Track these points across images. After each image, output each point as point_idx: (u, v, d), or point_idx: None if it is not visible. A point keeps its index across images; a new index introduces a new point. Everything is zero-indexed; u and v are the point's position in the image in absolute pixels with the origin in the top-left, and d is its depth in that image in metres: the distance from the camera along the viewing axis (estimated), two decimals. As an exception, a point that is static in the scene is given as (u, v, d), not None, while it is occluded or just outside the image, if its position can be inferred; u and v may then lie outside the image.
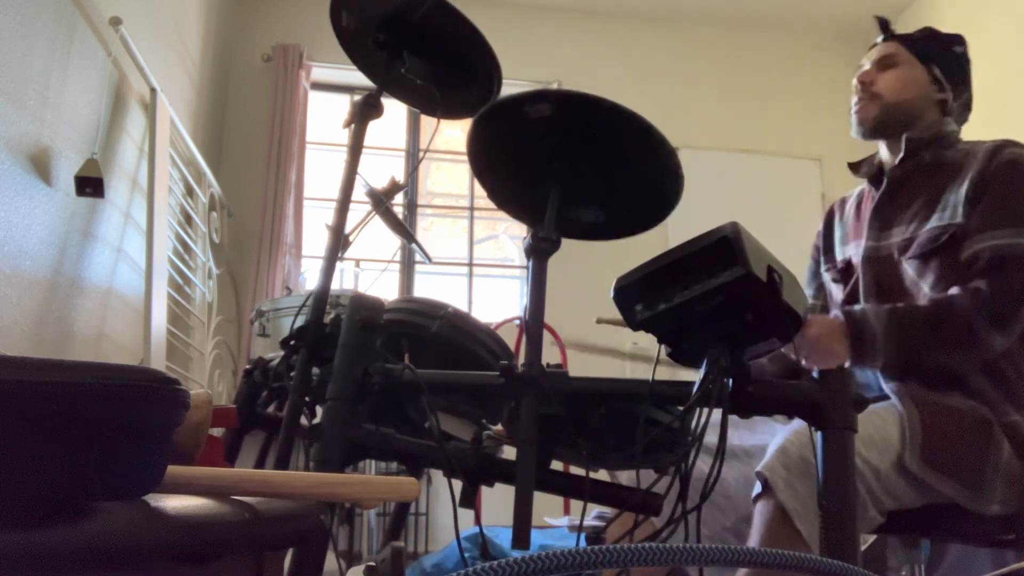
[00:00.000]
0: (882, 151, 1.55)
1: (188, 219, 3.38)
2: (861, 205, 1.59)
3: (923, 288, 1.37)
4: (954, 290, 1.31)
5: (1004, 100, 3.70)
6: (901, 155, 1.48)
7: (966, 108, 1.54)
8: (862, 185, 1.62)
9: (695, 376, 0.96)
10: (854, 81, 1.55)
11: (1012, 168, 1.35)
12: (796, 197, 4.39)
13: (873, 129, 1.51)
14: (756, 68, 4.66)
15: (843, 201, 1.67)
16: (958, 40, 1.53)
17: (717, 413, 0.93)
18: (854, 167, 1.61)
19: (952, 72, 1.51)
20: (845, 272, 1.55)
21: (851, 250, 1.55)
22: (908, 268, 1.40)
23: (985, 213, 1.34)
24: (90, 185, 2.25)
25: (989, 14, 3.84)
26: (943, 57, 1.51)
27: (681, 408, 1.02)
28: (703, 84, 4.60)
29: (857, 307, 1.37)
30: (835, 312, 1.40)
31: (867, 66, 1.55)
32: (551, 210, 1.07)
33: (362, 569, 1.14)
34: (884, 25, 1.58)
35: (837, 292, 1.57)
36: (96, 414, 0.52)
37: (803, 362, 1.36)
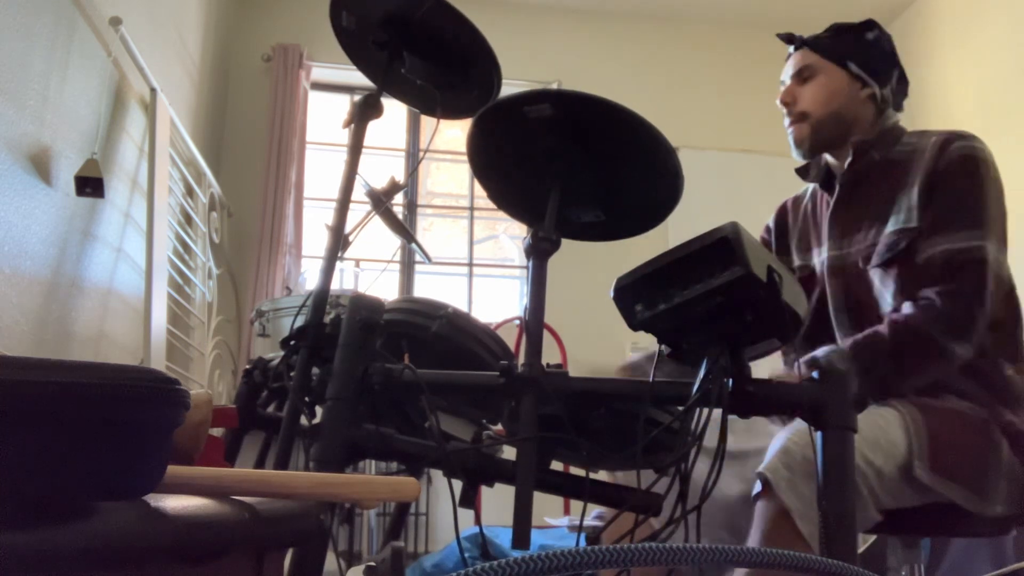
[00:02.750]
0: (828, 155, 1.52)
1: (188, 219, 3.38)
2: (816, 208, 1.55)
3: (887, 297, 1.36)
4: (907, 307, 1.29)
5: (1004, 100, 3.70)
6: (850, 159, 1.44)
7: (901, 90, 1.50)
8: (811, 185, 1.59)
9: (695, 376, 0.96)
10: (777, 101, 1.51)
11: (961, 164, 1.32)
12: (796, 197, 4.38)
13: (812, 148, 1.48)
14: (756, 68, 4.66)
15: (795, 201, 1.63)
16: (868, 26, 1.48)
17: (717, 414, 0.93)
18: (802, 172, 1.57)
19: (871, 62, 1.45)
20: (805, 281, 1.52)
21: (813, 258, 1.52)
22: (873, 277, 1.38)
23: (937, 215, 1.31)
24: (90, 185, 2.25)
25: (989, 14, 3.84)
26: (857, 50, 1.46)
27: (681, 408, 1.02)
28: (703, 84, 4.60)
29: (820, 353, 1.34)
30: (798, 364, 1.38)
31: (786, 82, 1.51)
32: (551, 210, 1.07)
33: (362, 569, 1.14)
34: (788, 38, 1.54)
35: None
36: (96, 414, 0.52)
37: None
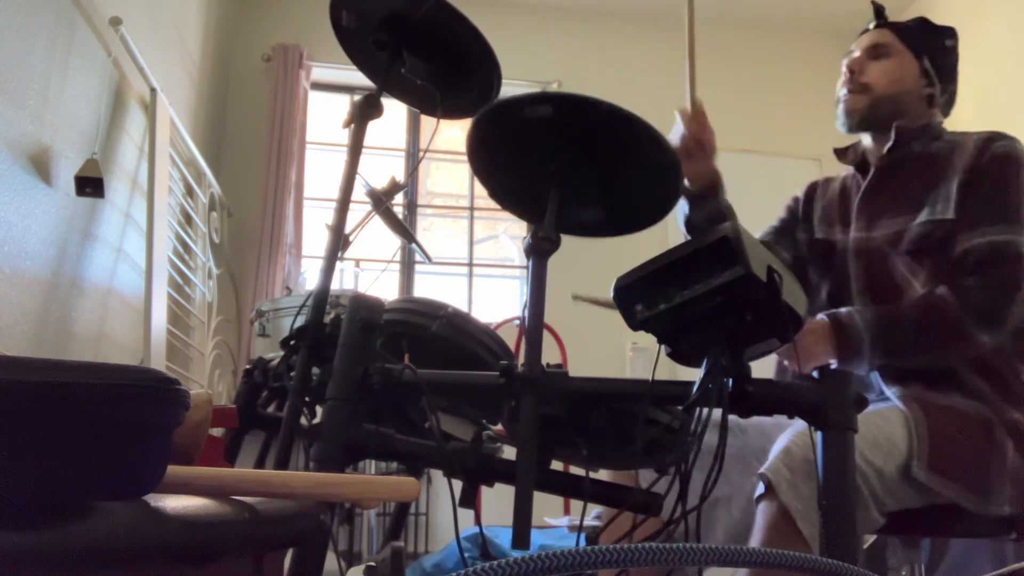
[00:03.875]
0: (866, 139, 1.53)
1: (188, 219, 3.38)
2: (846, 190, 1.56)
3: (916, 285, 1.36)
4: (942, 289, 1.30)
5: (1004, 99, 3.70)
6: (890, 144, 1.45)
7: (950, 103, 1.53)
8: (845, 171, 1.60)
9: (695, 376, 0.96)
10: (843, 67, 1.51)
11: (1003, 162, 1.34)
12: (796, 197, 4.38)
13: (861, 122, 1.48)
14: (756, 68, 4.66)
15: (827, 181, 1.64)
16: (950, 33, 1.51)
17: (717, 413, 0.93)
18: (840, 153, 1.59)
19: (942, 66, 1.49)
20: (823, 254, 1.53)
21: (836, 234, 1.52)
22: (900, 263, 1.39)
23: (976, 209, 1.32)
24: (90, 185, 2.25)
25: (989, 13, 3.84)
26: (935, 50, 1.48)
27: (681, 408, 1.02)
28: (703, 84, 4.59)
29: (843, 309, 1.35)
30: (820, 315, 1.39)
31: (857, 53, 1.51)
32: (551, 210, 1.07)
33: (362, 569, 1.14)
34: (879, 11, 1.54)
35: (813, 274, 1.55)
36: (96, 414, 0.52)
37: (786, 363, 1.35)
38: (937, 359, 1.31)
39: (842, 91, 1.50)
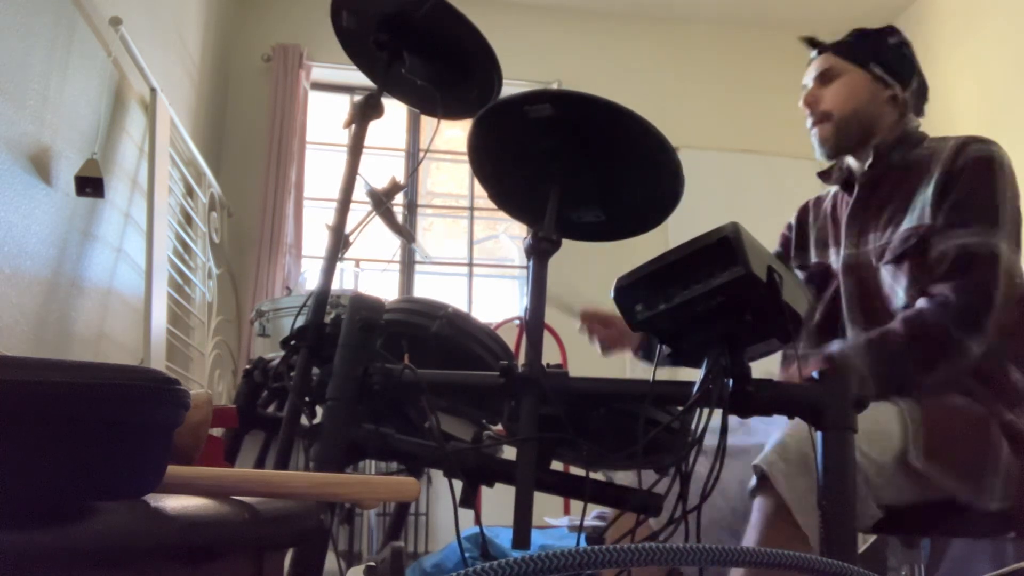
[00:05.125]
0: (849, 158, 1.55)
1: (188, 219, 3.38)
2: (836, 208, 1.58)
3: (899, 293, 1.37)
4: (921, 302, 1.30)
5: (1004, 100, 3.69)
6: (870, 160, 1.47)
7: (921, 95, 1.53)
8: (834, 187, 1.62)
9: (695, 376, 0.96)
10: (800, 103, 1.54)
11: (977, 165, 1.34)
12: (796, 197, 4.38)
13: (835, 148, 1.51)
14: (756, 68, 4.66)
15: (817, 201, 1.66)
16: (890, 31, 1.52)
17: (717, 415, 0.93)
18: (824, 176, 1.60)
19: (892, 64, 1.49)
20: (820, 276, 1.54)
21: (830, 256, 1.54)
22: (885, 273, 1.40)
23: (950, 212, 1.33)
24: (90, 185, 2.25)
25: (989, 14, 3.83)
26: (879, 52, 1.49)
27: (681, 408, 1.02)
28: (703, 84, 4.60)
29: (834, 345, 1.36)
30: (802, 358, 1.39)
31: (809, 85, 1.54)
32: (551, 210, 1.07)
33: (362, 569, 1.14)
34: (811, 41, 1.58)
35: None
36: (96, 414, 0.52)
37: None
38: (933, 373, 1.30)
39: (808, 124, 1.54)
